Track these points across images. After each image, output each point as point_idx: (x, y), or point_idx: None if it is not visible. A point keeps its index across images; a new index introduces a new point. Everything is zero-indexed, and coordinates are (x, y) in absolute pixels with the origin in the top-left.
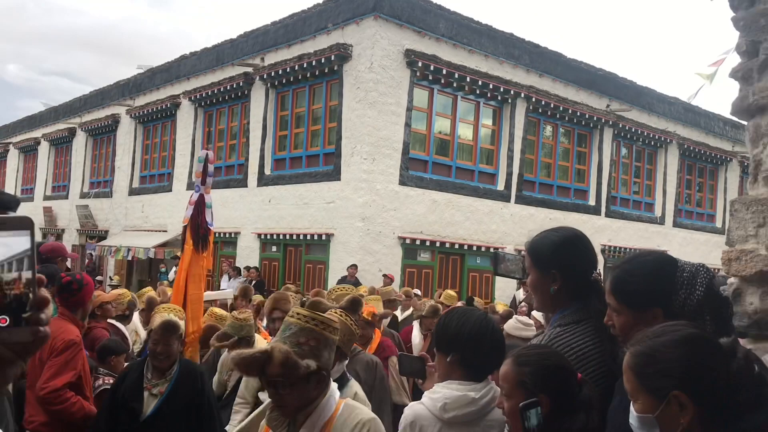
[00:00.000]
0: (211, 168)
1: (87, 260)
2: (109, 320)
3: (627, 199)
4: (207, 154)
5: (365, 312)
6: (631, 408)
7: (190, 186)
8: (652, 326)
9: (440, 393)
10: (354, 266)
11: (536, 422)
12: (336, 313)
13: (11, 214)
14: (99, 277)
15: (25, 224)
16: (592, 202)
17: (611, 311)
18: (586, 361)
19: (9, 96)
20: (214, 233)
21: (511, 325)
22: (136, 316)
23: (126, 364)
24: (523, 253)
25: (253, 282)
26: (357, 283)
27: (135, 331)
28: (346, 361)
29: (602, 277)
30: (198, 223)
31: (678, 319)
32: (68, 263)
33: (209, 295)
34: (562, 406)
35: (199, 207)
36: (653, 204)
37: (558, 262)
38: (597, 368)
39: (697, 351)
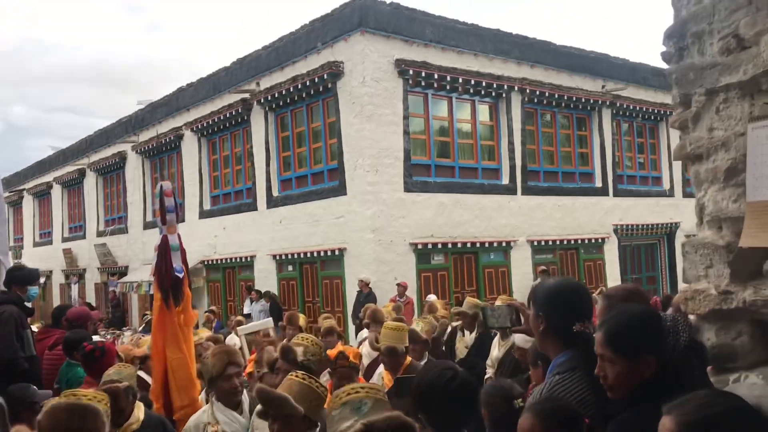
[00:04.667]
0: (170, 202)
1: (111, 296)
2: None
3: (633, 176)
4: (161, 187)
5: (351, 355)
6: None
7: (201, 215)
8: (645, 374)
9: None
10: (362, 281)
11: None
12: (297, 377)
13: None
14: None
15: None
16: (598, 183)
17: (604, 362)
18: (585, 406)
19: (18, 138)
20: (229, 259)
21: (520, 339)
22: None
23: None
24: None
25: (270, 305)
26: (370, 295)
27: None
28: (317, 430)
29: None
30: (164, 272)
31: (669, 365)
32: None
33: (248, 327)
34: None
35: (164, 252)
36: (660, 177)
37: (544, 306)
38: (594, 411)
39: (748, 423)
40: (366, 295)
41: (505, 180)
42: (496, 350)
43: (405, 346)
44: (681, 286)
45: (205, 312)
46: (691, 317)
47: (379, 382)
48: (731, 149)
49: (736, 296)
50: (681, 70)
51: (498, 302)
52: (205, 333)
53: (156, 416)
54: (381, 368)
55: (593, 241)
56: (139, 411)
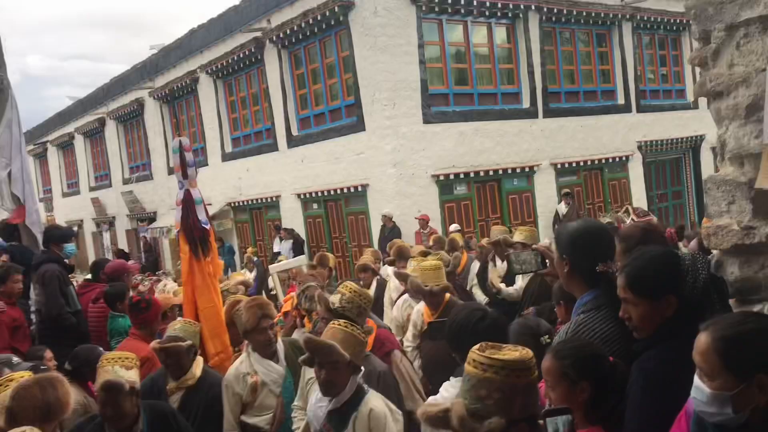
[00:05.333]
0: (190, 156)
1: (143, 243)
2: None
3: (657, 90)
4: (180, 142)
5: None
6: (699, 384)
7: (224, 157)
8: (667, 313)
9: (450, 392)
10: (385, 216)
11: (560, 430)
12: (340, 325)
13: None
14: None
15: None
16: (621, 101)
17: (628, 305)
18: (609, 342)
19: (36, 88)
20: (255, 200)
21: None
22: None
23: None
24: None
25: (292, 243)
26: (395, 230)
27: None
28: (360, 374)
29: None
30: (191, 225)
31: (690, 302)
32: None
33: (280, 265)
34: (601, 389)
35: (188, 206)
36: (684, 90)
37: (568, 249)
38: (618, 348)
39: None
40: (390, 229)
41: (526, 103)
42: (521, 279)
43: (442, 283)
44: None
45: (246, 254)
46: (715, 252)
47: (419, 320)
48: (752, 85)
49: (759, 231)
50: (700, 6)
51: (517, 236)
52: (239, 277)
53: (213, 374)
54: (420, 304)
55: (617, 159)
56: (197, 368)
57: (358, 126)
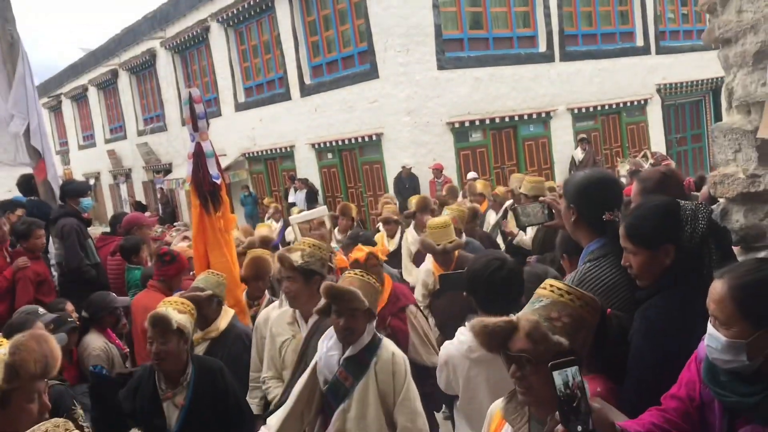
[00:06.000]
0: (200, 108)
1: (159, 194)
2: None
3: (677, 31)
4: (190, 94)
5: (378, 253)
6: (713, 332)
7: (237, 107)
8: (665, 262)
9: (466, 336)
10: (403, 167)
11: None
12: (357, 274)
13: None
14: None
15: None
16: (640, 42)
17: (628, 254)
18: (615, 291)
19: (48, 40)
20: (269, 150)
21: None
22: None
23: None
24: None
25: (306, 192)
26: (413, 179)
27: None
28: (375, 321)
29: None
30: (201, 179)
31: (688, 251)
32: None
33: (301, 216)
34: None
35: (199, 159)
36: (705, 29)
37: (574, 198)
38: (623, 296)
39: None
40: (409, 179)
41: (542, 47)
42: (531, 229)
43: (454, 240)
44: None
45: (272, 204)
46: (721, 200)
47: (429, 279)
48: (760, 32)
49: (764, 179)
50: None
51: (522, 187)
52: (263, 229)
53: (241, 327)
54: (428, 263)
55: (635, 103)
56: (223, 320)
57: (372, 73)
